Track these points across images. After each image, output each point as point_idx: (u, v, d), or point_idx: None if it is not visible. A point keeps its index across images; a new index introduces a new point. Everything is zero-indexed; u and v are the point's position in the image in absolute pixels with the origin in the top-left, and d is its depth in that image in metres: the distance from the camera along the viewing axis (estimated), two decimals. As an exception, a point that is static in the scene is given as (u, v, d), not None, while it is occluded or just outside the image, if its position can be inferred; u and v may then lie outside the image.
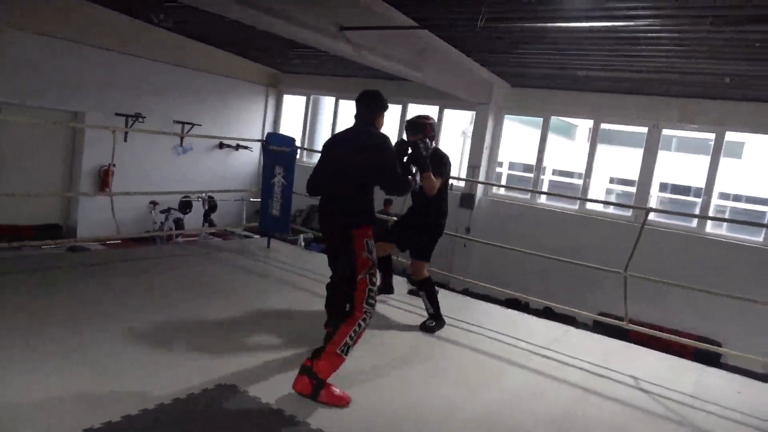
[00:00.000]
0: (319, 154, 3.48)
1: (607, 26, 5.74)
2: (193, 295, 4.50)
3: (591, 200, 9.83)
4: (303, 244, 9.28)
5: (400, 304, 4.94)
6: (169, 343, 3.52)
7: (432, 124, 4.18)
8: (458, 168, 15.86)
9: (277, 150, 5.55)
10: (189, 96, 11.25)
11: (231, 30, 9.43)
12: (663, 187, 11.00)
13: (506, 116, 10.64)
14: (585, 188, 9.75)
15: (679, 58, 6.87)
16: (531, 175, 10.62)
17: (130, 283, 4.62)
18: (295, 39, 6.57)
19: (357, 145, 3.25)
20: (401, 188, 3.37)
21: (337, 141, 3.42)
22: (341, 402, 3.01)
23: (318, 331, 3.58)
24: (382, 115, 3.42)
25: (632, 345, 4.80)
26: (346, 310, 3.18)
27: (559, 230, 9.52)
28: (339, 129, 13.34)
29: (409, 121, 4.18)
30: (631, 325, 4.77)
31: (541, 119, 10.28)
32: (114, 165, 9.80)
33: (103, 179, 9.98)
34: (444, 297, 4.83)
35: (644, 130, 9.27)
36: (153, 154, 10.78)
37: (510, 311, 5.48)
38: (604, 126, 9.77)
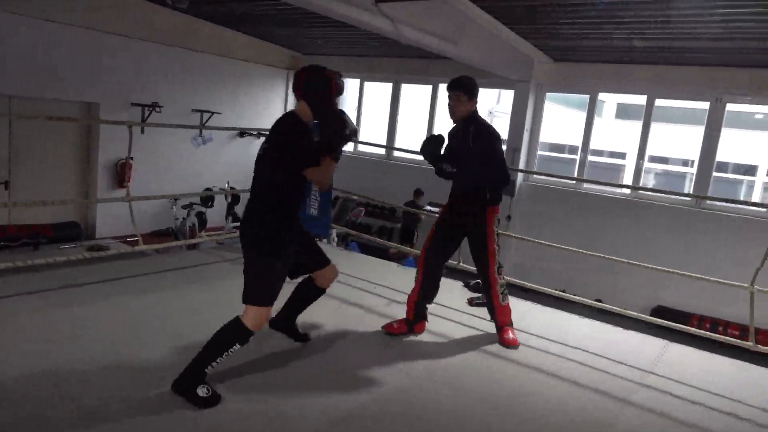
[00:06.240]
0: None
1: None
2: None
3: (654, 190, 9.06)
4: (336, 240, 8.56)
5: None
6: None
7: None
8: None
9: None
10: (207, 83, 10.63)
11: (248, 9, 8.77)
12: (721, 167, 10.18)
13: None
14: (638, 170, 8.95)
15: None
16: (562, 155, 9.85)
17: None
18: (329, 15, 5.86)
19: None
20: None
21: None
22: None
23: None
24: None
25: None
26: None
27: (610, 216, 8.80)
28: (364, 113, 12.69)
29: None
30: (761, 347, 3.88)
31: (574, 96, 9.48)
32: (132, 158, 9.42)
33: (121, 174, 9.47)
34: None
35: (705, 105, 8.45)
36: (172, 145, 10.19)
37: (585, 320, 4.61)
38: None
